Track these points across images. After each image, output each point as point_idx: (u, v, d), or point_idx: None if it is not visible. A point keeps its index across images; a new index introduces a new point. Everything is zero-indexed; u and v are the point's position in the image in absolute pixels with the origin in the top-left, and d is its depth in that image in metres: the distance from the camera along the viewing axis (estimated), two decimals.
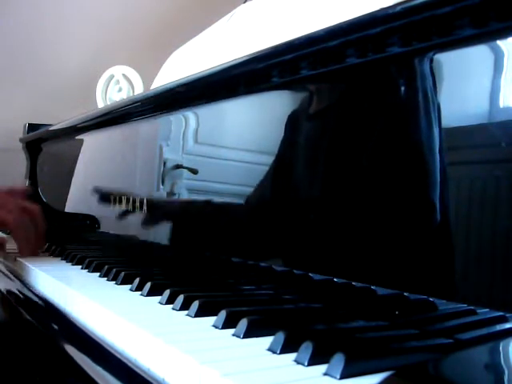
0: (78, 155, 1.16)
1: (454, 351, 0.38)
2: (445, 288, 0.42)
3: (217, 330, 0.44)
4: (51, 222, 0.96)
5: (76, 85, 1.74)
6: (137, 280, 0.61)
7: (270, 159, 0.61)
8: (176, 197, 0.79)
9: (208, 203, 0.71)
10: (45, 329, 0.62)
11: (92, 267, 0.74)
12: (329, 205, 0.53)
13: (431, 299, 0.42)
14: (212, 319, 0.46)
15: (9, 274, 0.83)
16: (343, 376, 0.33)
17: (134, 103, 0.89)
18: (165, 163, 0.81)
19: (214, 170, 0.71)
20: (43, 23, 1.77)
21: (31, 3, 1.77)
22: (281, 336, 0.39)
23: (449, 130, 0.43)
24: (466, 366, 0.33)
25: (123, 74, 1.38)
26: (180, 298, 0.52)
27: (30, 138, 1.38)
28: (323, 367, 0.34)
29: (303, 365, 0.36)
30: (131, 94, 1.35)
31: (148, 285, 0.58)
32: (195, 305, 0.49)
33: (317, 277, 0.52)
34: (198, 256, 0.72)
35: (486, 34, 0.39)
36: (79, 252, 0.85)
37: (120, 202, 0.92)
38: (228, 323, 0.44)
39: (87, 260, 0.77)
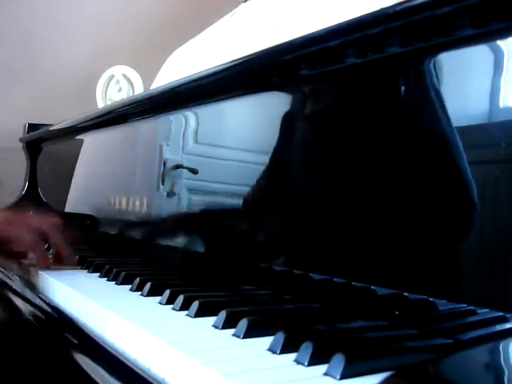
0: (77, 155, 1.16)
1: (454, 351, 0.38)
2: (445, 288, 0.42)
3: (217, 330, 0.44)
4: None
5: (76, 85, 1.74)
6: (137, 280, 0.61)
7: (269, 159, 0.61)
8: (176, 197, 0.79)
9: (208, 203, 0.71)
10: (43, 327, 0.62)
11: (92, 267, 0.74)
12: (329, 205, 0.53)
13: (431, 299, 0.42)
14: (212, 319, 0.46)
15: (8, 272, 0.83)
16: (343, 376, 0.33)
17: (133, 103, 0.89)
18: (165, 163, 0.81)
19: (214, 170, 0.71)
20: (43, 23, 1.77)
21: (31, 3, 1.77)
22: (281, 336, 0.39)
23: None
24: (466, 366, 0.33)
25: (123, 74, 1.38)
26: (180, 298, 0.52)
27: (30, 137, 1.39)
28: (323, 367, 0.34)
29: (303, 365, 0.36)
30: (131, 94, 1.35)
31: (148, 285, 0.58)
32: (195, 305, 0.49)
33: (317, 277, 0.52)
34: (198, 256, 0.72)
35: (486, 34, 0.39)
36: (79, 252, 0.85)
37: (120, 202, 0.92)
38: (228, 323, 0.44)
39: (87, 260, 0.77)
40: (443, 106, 0.43)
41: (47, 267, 0.75)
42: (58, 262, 0.78)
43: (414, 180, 0.45)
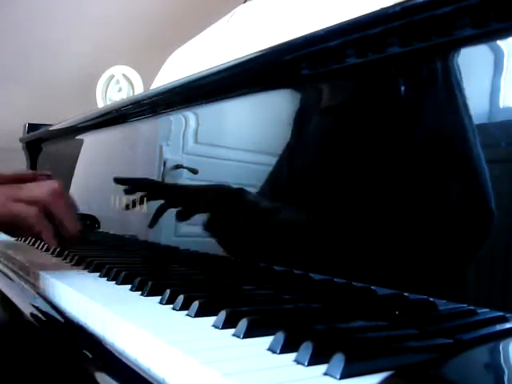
0: (78, 155, 1.16)
1: (454, 351, 0.38)
2: (445, 288, 0.42)
3: (217, 330, 0.44)
4: None
5: (76, 85, 1.74)
6: (137, 280, 0.61)
7: (269, 159, 0.61)
8: (177, 197, 0.79)
9: (209, 202, 0.71)
10: (43, 327, 0.62)
11: (92, 267, 0.74)
12: (329, 205, 0.53)
13: (431, 299, 0.42)
14: (212, 319, 0.46)
15: (8, 272, 0.83)
16: (343, 376, 0.33)
17: (133, 103, 0.89)
18: (165, 163, 0.81)
19: (214, 170, 0.71)
20: (43, 23, 1.77)
21: (31, 3, 1.77)
22: (281, 336, 0.39)
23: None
24: (466, 366, 0.33)
25: (123, 74, 1.38)
26: (180, 298, 0.52)
27: (30, 137, 1.39)
28: (323, 367, 0.34)
29: (303, 365, 0.36)
30: (131, 94, 1.35)
31: (148, 285, 0.58)
32: (195, 305, 0.49)
33: (317, 277, 0.52)
34: (198, 256, 0.72)
35: (486, 34, 0.39)
36: (79, 252, 0.85)
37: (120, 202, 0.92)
38: (228, 323, 0.44)
39: (87, 260, 0.77)
40: (445, 106, 0.43)
41: (56, 245, 0.72)
42: (65, 235, 0.73)
43: (412, 180, 0.45)
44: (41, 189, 0.72)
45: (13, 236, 0.83)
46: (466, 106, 0.42)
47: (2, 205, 0.69)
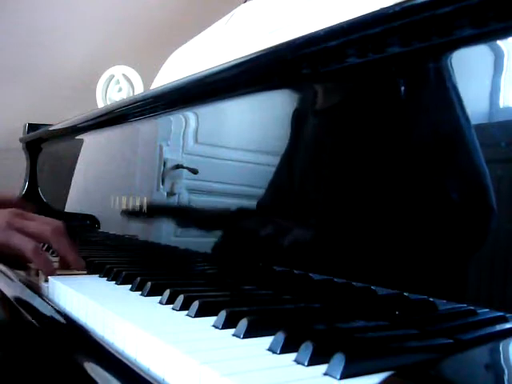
0: (78, 155, 1.16)
1: (454, 351, 0.38)
2: (445, 288, 0.42)
3: (217, 330, 0.44)
4: None
5: (76, 85, 1.74)
6: (137, 280, 0.61)
7: (270, 159, 0.61)
8: (176, 197, 0.79)
9: (207, 203, 0.71)
10: (43, 327, 0.62)
11: (92, 267, 0.74)
12: (329, 205, 0.53)
13: (431, 299, 0.42)
14: (212, 319, 0.46)
15: (8, 272, 0.83)
16: (343, 376, 0.33)
17: (133, 103, 0.89)
18: (165, 163, 0.81)
19: (214, 170, 0.71)
20: (43, 23, 1.77)
21: (31, 3, 1.77)
22: (281, 336, 0.39)
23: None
24: (466, 366, 0.33)
25: (123, 74, 1.38)
26: (180, 298, 0.52)
27: (30, 137, 1.39)
28: (323, 367, 0.34)
29: (303, 365, 0.36)
30: (131, 94, 1.35)
31: (148, 285, 0.58)
32: (195, 305, 0.49)
33: (317, 277, 0.52)
34: (198, 256, 0.72)
35: (486, 34, 0.39)
36: (79, 252, 0.85)
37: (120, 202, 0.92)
38: (228, 323, 0.44)
39: (87, 260, 0.77)
40: (445, 106, 0.43)
41: (52, 274, 0.70)
42: (65, 268, 0.74)
43: (412, 180, 0.45)
44: (44, 225, 0.73)
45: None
46: (466, 105, 0.42)
47: (2, 235, 0.70)
